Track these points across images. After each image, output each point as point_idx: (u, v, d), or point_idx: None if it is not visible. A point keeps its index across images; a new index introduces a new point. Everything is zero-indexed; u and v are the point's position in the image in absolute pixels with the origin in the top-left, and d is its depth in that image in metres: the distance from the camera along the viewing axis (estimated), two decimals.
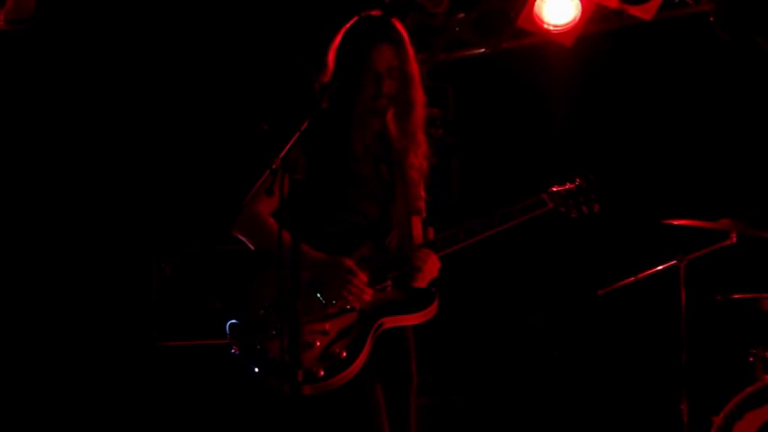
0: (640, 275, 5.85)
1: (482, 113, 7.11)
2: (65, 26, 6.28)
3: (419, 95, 3.94)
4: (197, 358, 5.93)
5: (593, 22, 6.34)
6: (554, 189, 3.99)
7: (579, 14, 6.23)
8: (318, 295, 3.74)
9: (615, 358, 6.79)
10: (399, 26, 3.91)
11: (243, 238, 3.89)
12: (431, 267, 3.83)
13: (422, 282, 3.83)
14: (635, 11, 6.07)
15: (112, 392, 6.37)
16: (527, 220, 3.92)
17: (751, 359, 5.58)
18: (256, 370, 3.66)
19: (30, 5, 5.83)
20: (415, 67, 3.91)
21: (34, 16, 5.88)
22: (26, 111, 6.48)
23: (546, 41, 6.47)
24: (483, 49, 6.81)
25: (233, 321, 3.72)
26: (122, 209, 6.67)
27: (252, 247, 3.88)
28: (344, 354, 3.68)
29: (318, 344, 3.69)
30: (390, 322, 3.78)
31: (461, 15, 6.67)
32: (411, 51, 3.91)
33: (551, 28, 6.28)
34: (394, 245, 3.87)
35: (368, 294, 3.74)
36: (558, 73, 6.67)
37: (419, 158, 3.97)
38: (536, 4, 6.26)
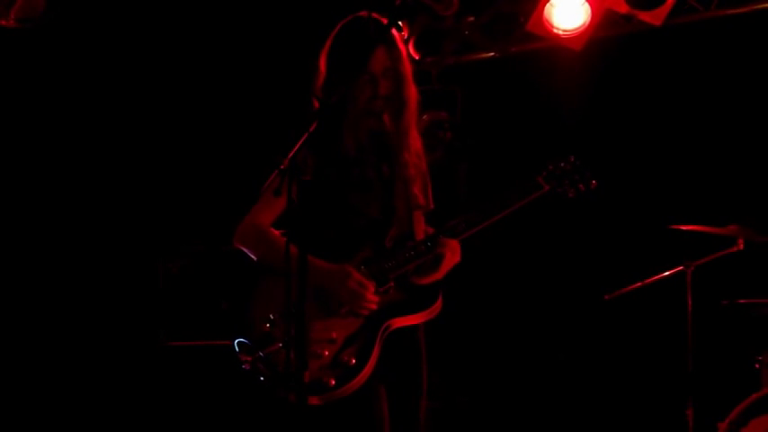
0: (647, 281, 5.84)
1: (491, 117, 7.11)
2: (74, 25, 6.30)
3: (412, 94, 3.92)
4: (204, 358, 5.94)
5: (603, 27, 6.34)
6: (549, 169, 3.95)
7: (589, 19, 6.23)
8: (324, 305, 3.72)
9: (621, 363, 6.78)
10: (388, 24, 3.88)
11: (244, 249, 3.86)
12: (452, 254, 3.81)
13: (443, 269, 3.79)
14: (645, 16, 6.07)
15: (120, 392, 6.38)
16: (525, 205, 3.87)
17: (757, 366, 5.58)
18: (265, 381, 3.65)
19: (39, 4, 5.85)
20: (407, 66, 3.90)
21: (44, 14, 5.90)
22: (35, 110, 6.50)
23: (555, 46, 6.47)
24: (492, 53, 6.82)
25: (241, 339, 3.70)
26: (129, 209, 6.68)
27: (254, 258, 3.85)
28: (354, 360, 3.66)
29: (327, 353, 3.66)
30: (397, 323, 3.75)
31: (471, 19, 6.67)
32: (403, 50, 3.91)
33: (561, 32, 6.29)
34: (392, 244, 3.84)
35: (375, 304, 3.72)
36: (566, 77, 6.66)
37: (413, 156, 3.95)
38: (546, 8, 6.27)
